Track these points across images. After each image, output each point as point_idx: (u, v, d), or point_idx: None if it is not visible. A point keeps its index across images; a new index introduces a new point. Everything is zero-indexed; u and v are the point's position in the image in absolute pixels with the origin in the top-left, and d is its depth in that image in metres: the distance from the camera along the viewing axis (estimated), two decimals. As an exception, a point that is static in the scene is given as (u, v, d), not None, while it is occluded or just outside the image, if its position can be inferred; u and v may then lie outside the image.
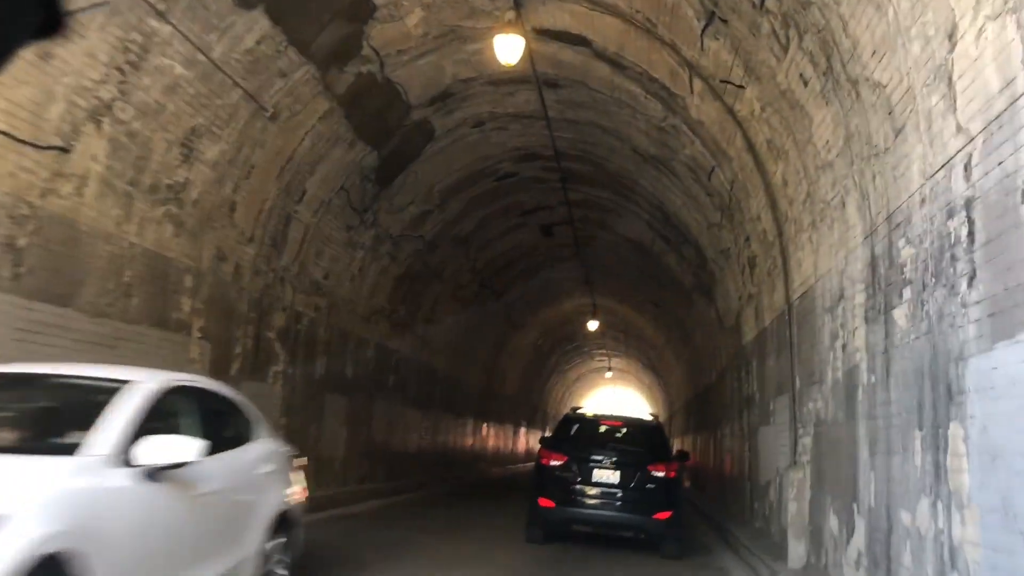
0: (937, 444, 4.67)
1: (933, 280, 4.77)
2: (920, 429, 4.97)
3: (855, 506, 6.45)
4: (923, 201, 4.95)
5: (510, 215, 18.43)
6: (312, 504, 7.13)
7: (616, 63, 10.57)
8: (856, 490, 6.42)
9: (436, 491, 18.72)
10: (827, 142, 6.90)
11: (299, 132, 10.83)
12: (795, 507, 8.53)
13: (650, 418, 11.84)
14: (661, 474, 9.94)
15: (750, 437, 12.39)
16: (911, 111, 5.00)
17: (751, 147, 9.09)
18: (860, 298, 6.42)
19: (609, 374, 49.01)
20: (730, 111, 9.02)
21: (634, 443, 10.64)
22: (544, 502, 10.01)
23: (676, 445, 19.84)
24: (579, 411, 11.76)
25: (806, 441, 8.42)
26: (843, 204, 6.81)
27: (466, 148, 14.36)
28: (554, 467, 10.05)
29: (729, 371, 15.02)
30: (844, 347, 6.93)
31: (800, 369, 8.68)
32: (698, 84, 9.35)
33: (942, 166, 4.61)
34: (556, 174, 15.67)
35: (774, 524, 10.00)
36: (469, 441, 25.54)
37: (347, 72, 10.61)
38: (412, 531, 10.80)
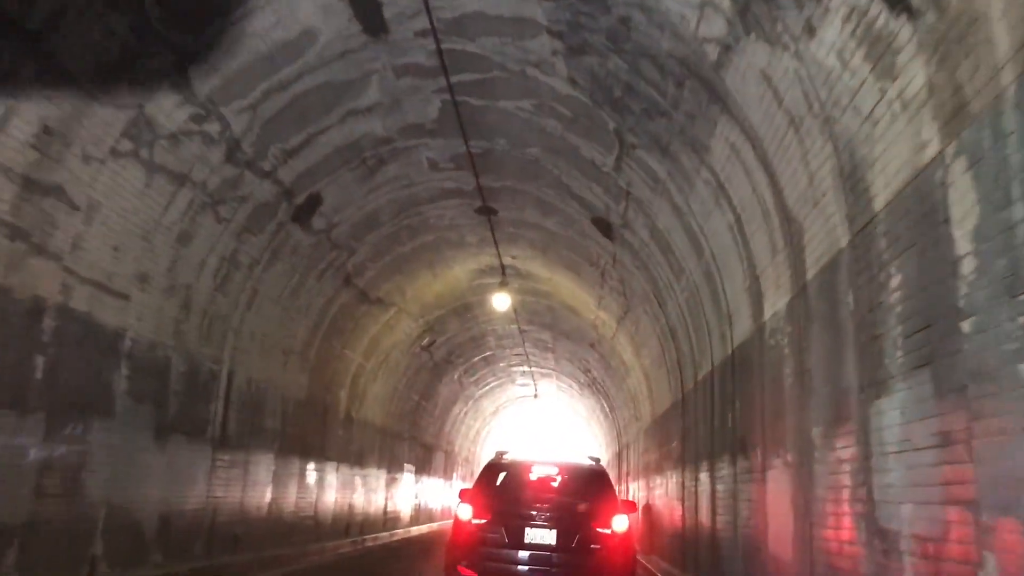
0: None
1: None
2: None
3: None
4: None
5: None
6: None
7: None
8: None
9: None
10: None
11: None
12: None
13: (591, 462, 9.72)
14: (608, 531, 8.50)
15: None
16: None
17: None
18: None
19: (535, 399, 38.61)
20: None
21: (573, 494, 9.09)
22: (464, 572, 8.71)
23: (636, 488, 15.25)
24: (505, 456, 9.88)
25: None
26: None
27: None
28: (476, 527, 8.68)
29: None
30: None
31: None
32: None
33: None
34: None
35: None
36: (289, 497, 14.76)
37: None
38: None
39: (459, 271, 18.44)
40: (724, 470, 9.00)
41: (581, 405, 38.05)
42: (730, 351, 8.82)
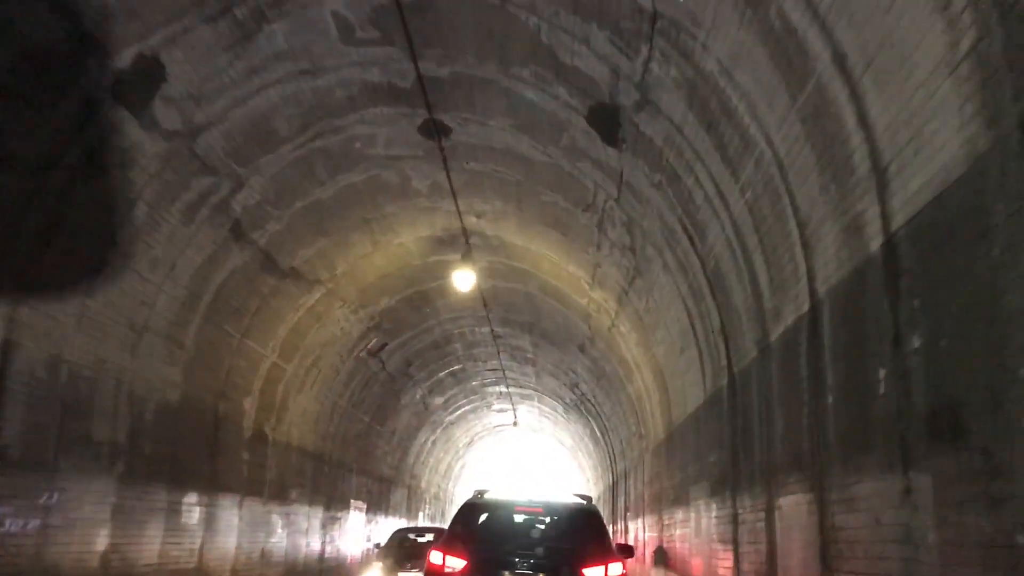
0: None
1: None
2: None
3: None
4: None
5: None
6: None
7: None
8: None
9: None
10: None
11: None
12: None
13: (581, 500, 8.83)
14: None
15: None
16: None
17: None
18: None
19: (514, 428, 33.94)
20: None
21: (561, 537, 8.19)
22: None
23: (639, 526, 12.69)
24: (485, 495, 8.93)
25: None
26: None
27: None
28: (451, 574, 7.70)
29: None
30: None
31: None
32: None
33: None
34: None
35: None
36: (148, 544, 10.06)
37: None
38: None
39: (408, 239, 13.96)
40: (866, 486, 4.50)
41: (566, 433, 33.43)
42: (887, 238, 4.36)
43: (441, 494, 36.65)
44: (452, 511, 39.60)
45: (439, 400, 26.26)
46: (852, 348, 4.87)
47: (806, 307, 5.70)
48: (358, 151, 10.73)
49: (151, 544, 10.11)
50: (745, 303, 7.30)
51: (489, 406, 31.63)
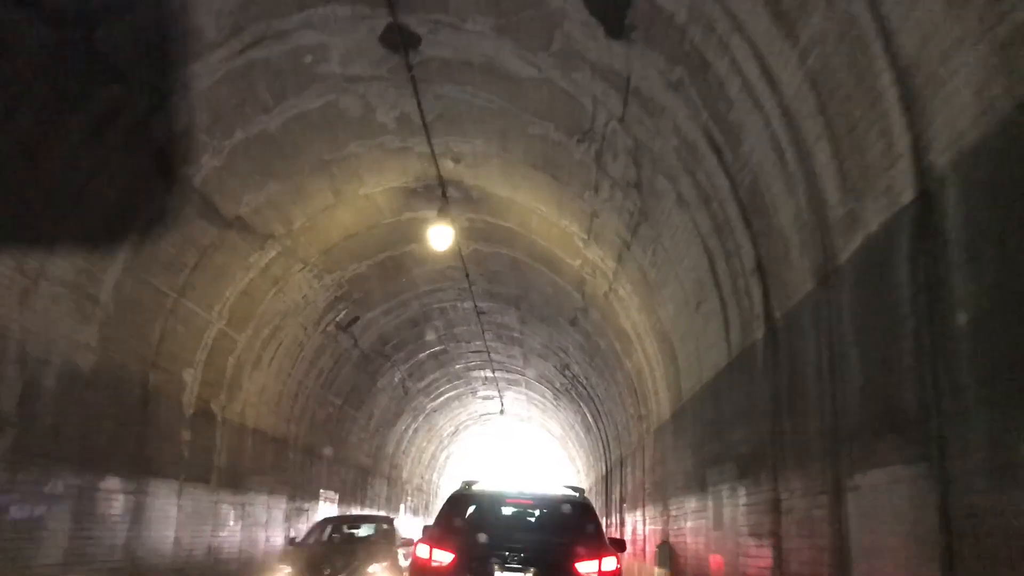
0: None
1: None
2: None
3: None
4: None
5: None
6: None
7: None
8: None
9: None
10: None
11: None
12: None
13: (573, 492, 8.59)
14: (594, 571, 7.19)
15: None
16: None
17: None
18: None
19: (501, 416, 32.21)
20: None
21: (553, 530, 8.08)
22: None
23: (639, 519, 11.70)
24: (473, 486, 8.72)
25: None
26: None
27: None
28: (439, 568, 7.43)
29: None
30: None
31: None
32: None
33: None
34: None
35: None
36: (50, 537, 8.26)
37: None
38: None
39: (375, 190, 12.16)
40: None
41: (555, 421, 31.74)
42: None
43: (425, 486, 34.90)
44: (437, 504, 37.99)
45: (420, 384, 24.48)
46: (1007, 234, 3.12)
47: (909, 196, 3.96)
48: (308, 68, 8.92)
49: (52, 538, 8.30)
50: (796, 221, 5.54)
51: (474, 392, 29.90)
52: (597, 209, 10.48)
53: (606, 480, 22.52)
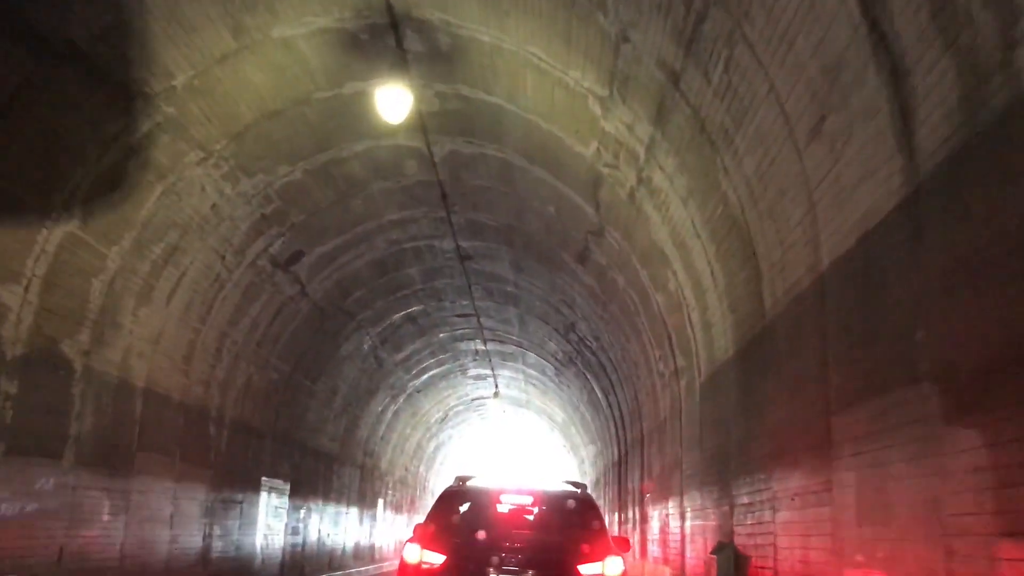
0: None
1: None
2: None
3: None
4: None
5: None
6: None
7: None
8: None
9: None
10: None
11: None
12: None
13: (574, 488, 8.27)
14: (597, 574, 6.92)
15: None
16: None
17: None
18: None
19: (496, 399, 28.41)
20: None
21: (553, 529, 7.67)
22: None
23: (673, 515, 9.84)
24: (467, 482, 8.38)
25: None
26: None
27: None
28: (429, 571, 7.08)
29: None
30: None
31: None
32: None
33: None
34: None
35: None
36: None
37: None
38: None
39: (296, 32, 8.32)
40: None
41: (556, 404, 27.99)
42: None
43: (410, 479, 31.07)
44: (424, 498, 34.20)
45: (397, 356, 20.67)
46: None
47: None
48: None
49: None
50: None
51: (464, 371, 26.15)
52: (628, 22, 6.65)
53: (619, 467, 18.71)
